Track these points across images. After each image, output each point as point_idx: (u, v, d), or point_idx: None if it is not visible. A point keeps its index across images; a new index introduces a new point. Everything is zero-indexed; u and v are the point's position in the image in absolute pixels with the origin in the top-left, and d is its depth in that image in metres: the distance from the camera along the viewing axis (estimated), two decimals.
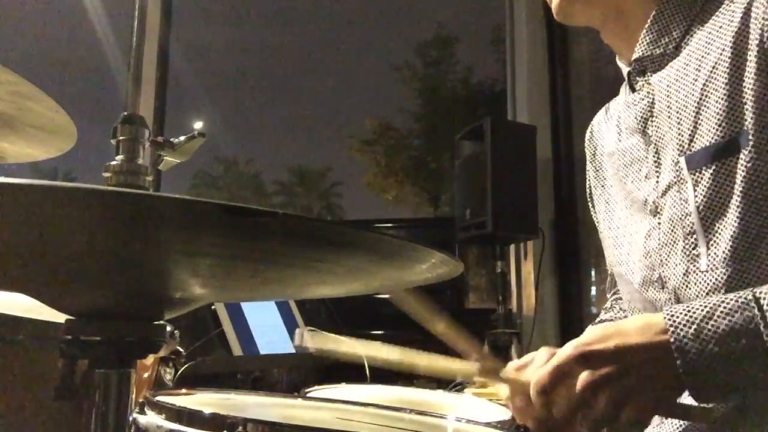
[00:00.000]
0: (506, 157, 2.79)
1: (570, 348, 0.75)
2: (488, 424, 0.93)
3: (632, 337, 0.73)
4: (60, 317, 0.62)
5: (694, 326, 0.72)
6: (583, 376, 0.73)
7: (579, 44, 3.39)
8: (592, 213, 1.20)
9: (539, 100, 3.35)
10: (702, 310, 0.73)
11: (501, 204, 2.72)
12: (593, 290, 3.26)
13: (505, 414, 1.06)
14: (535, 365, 0.98)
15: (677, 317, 0.73)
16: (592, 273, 3.23)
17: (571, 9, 0.98)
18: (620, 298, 1.19)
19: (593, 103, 3.32)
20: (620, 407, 0.72)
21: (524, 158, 2.88)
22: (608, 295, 1.24)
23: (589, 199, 1.19)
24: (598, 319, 1.22)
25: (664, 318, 0.74)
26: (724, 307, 0.72)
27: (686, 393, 0.75)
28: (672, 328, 0.72)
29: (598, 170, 1.12)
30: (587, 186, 1.19)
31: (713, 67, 0.85)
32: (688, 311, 0.73)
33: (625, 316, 1.15)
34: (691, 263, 0.86)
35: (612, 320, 1.19)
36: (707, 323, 0.72)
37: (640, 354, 0.72)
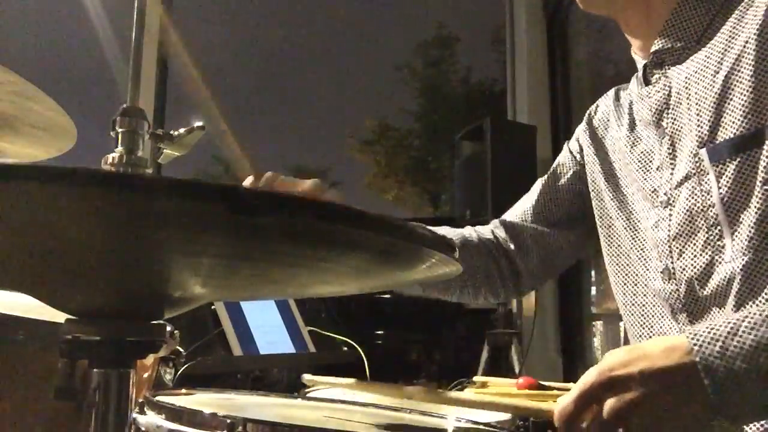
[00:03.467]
0: (506, 157, 2.79)
1: (594, 374, 0.72)
2: (488, 424, 0.92)
3: (657, 360, 0.71)
4: (60, 317, 0.62)
5: (719, 344, 0.70)
6: (610, 404, 0.70)
7: (579, 44, 3.39)
8: (564, 156, 1.19)
9: (539, 100, 3.35)
10: (725, 327, 0.71)
11: (501, 204, 2.70)
12: (593, 290, 3.26)
13: (505, 414, 1.06)
14: None
15: (701, 336, 0.71)
16: (592, 273, 3.23)
17: None
18: (499, 227, 1.21)
19: (593, 103, 3.32)
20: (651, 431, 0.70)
21: (524, 158, 2.88)
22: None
23: (567, 146, 1.19)
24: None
25: (687, 338, 0.72)
26: (749, 322, 0.71)
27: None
28: (696, 348, 0.70)
29: (599, 145, 1.12)
30: (574, 139, 1.18)
31: (737, 60, 0.85)
32: (711, 329, 0.72)
33: (493, 235, 1.19)
34: (716, 254, 0.86)
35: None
36: (732, 340, 0.70)
37: (667, 377, 0.70)
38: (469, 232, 1.20)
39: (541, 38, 3.39)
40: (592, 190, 1.13)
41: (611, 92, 1.15)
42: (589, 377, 0.72)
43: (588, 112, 1.18)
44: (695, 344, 0.71)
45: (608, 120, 1.12)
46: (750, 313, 0.72)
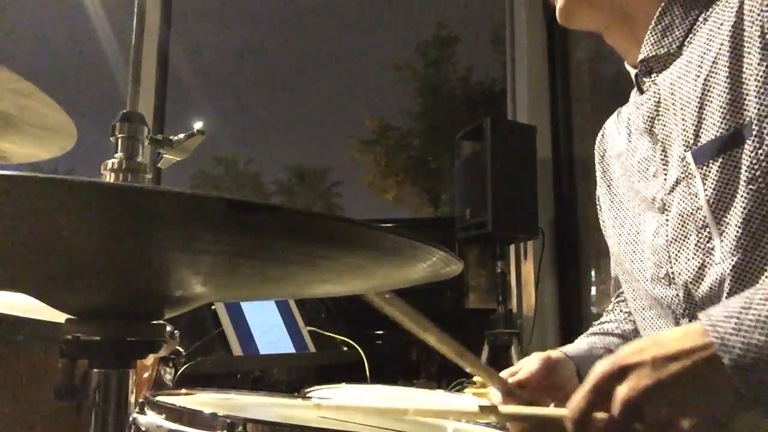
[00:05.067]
0: (506, 157, 2.79)
1: (605, 364, 0.68)
2: (488, 425, 0.92)
3: (670, 346, 0.67)
4: (60, 317, 0.62)
5: (734, 320, 0.66)
6: (622, 393, 0.66)
7: (579, 44, 3.39)
8: (599, 218, 1.20)
9: (539, 100, 3.35)
10: (738, 303, 0.68)
11: (501, 204, 2.72)
12: (593, 290, 3.26)
13: None
14: (526, 370, 0.97)
15: (714, 317, 0.68)
16: (592, 273, 3.23)
17: (575, 12, 0.99)
18: (623, 301, 1.19)
19: (593, 103, 3.32)
20: (672, 422, 0.65)
21: (524, 158, 2.88)
22: (612, 298, 1.24)
23: (597, 204, 1.19)
24: (598, 321, 1.22)
25: (701, 320, 0.68)
26: (762, 295, 0.68)
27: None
28: (711, 328, 0.67)
29: (605, 171, 1.14)
30: (597, 189, 1.19)
31: (714, 62, 0.86)
32: (725, 308, 0.69)
33: (629, 318, 1.15)
34: (707, 257, 0.86)
35: (611, 322, 1.19)
36: (747, 314, 0.66)
37: (682, 361, 0.66)
38: (621, 325, 1.17)
39: (541, 38, 3.39)
40: (603, 219, 1.15)
41: (615, 112, 1.16)
42: (599, 368, 0.69)
43: (597, 140, 1.18)
44: (709, 324, 0.67)
45: (612, 139, 1.13)
46: (762, 286, 0.69)
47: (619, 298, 1.21)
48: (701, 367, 0.66)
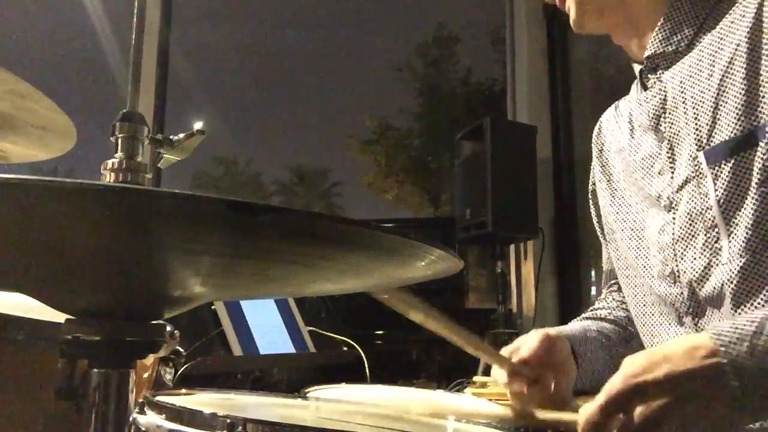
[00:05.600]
0: (506, 157, 2.79)
1: (620, 382, 0.72)
2: (488, 424, 0.93)
3: (680, 362, 0.71)
4: (60, 317, 0.62)
5: (747, 343, 0.70)
6: (639, 411, 0.70)
7: (579, 44, 3.39)
8: (591, 211, 1.20)
9: (539, 100, 3.35)
10: (750, 326, 0.71)
11: (501, 204, 2.72)
12: (593, 290, 3.26)
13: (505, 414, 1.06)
14: (527, 347, 0.98)
15: (725, 336, 0.71)
16: (592, 273, 3.23)
17: (586, 21, 1.01)
18: (616, 291, 1.20)
19: (593, 103, 3.32)
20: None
21: (524, 158, 2.88)
22: (604, 289, 1.25)
23: (590, 197, 1.19)
24: (590, 309, 1.22)
25: (711, 338, 0.71)
26: None
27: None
28: (723, 349, 0.70)
29: (604, 166, 1.13)
30: (590, 183, 1.19)
31: (729, 63, 0.86)
32: (736, 329, 0.71)
33: (622, 306, 1.16)
34: (714, 257, 0.87)
35: (604, 309, 1.19)
36: (759, 339, 0.70)
37: (694, 380, 0.70)
38: (618, 315, 1.18)
39: (541, 38, 3.39)
40: (600, 215, 1.15)
41: (612, 106, 1.16)
42: (614, 385, 0.72)
43: (593, 134, 1.19)
44: (721, 345, 0.70)
45: (610, 133, 1.13)
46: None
47: (611, 288, 1.22)
48: (710, 386, 0.70)
